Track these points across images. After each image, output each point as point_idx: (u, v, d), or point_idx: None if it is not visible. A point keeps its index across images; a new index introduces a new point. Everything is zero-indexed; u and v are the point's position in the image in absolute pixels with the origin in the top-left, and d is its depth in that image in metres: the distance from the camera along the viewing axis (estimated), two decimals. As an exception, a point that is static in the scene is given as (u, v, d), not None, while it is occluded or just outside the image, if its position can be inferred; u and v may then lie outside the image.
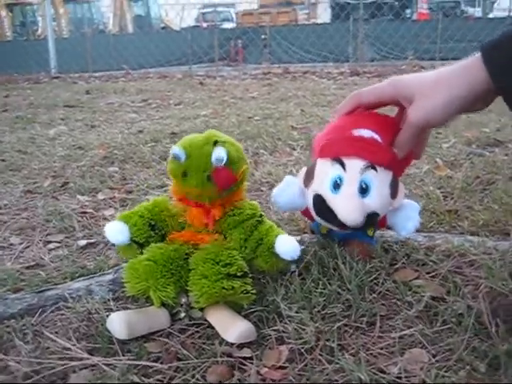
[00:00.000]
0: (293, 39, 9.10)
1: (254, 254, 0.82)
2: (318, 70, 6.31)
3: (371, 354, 0.68)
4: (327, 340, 0.70)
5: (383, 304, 0.79)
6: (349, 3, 8.26)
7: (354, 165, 0.82)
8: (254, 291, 0.77)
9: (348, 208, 0.81)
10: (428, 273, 0.87)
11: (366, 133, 0.83)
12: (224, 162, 0.78)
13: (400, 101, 0.81)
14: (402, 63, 6.05)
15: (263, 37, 9.11)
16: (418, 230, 0.95)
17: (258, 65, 8.19)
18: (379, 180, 0.82)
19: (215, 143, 0.80)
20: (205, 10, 15.70)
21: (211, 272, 0.75)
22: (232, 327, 0.72)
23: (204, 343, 0.72)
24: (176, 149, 0.79)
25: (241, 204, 0.85)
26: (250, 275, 0.79)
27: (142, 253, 0.81)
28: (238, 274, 0.76)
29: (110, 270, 0.95)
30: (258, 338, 0.72)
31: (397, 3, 8.60)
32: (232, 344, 0.70)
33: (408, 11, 11.70)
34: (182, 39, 9.19)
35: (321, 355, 0.68)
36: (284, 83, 5.01)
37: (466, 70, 0.72)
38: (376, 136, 0.83)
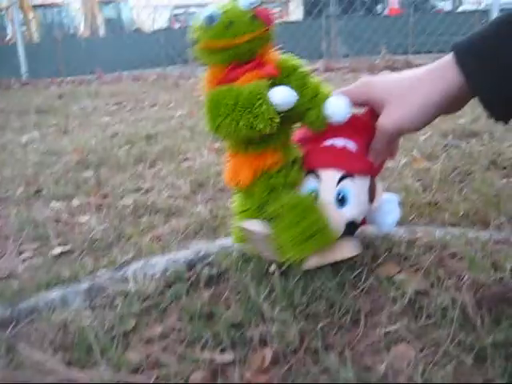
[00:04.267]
0: (266, 37, 9.09)
1: (310, 105, 0.77)
2: (293, 68, 6.29)
3: (357, 352, 0.67)
4: (311, 340, 0.69)
5: (366, 300, 0.78)
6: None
7: (330, 175, 0.80)
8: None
9: None
10: (411, 266, 0.86)
11: (339, 141, 0.81)
12: (258, 2, 0.73)
13: (371, 105, 0.79)
14: (375, 58, 6.07)
15: (236, 36, 9.08)
16: (398, 224, 0.94)
17: (232, 64, 8.16)
18: (357, 188, 0.81)
19: None
20: (177, 11, 15.63)
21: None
22: (343, 247, 0.80)
23: (185, 349, 0.70)
24: (210, 10, 0.73)
25: None
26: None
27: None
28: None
29: (86, 278, 0.93)
30: (241, 341, 0.70)
31: (368, -1, 8.65)
32: (213, 348, 0.68)
33: (379, 6, 11.77)
34: (154, 41, 9.11)
35: (305, 356, 0.66)
36: (259, 82, 4.98)
37: (439, 73, 0.71)
38: (350, 143, 0.81)
